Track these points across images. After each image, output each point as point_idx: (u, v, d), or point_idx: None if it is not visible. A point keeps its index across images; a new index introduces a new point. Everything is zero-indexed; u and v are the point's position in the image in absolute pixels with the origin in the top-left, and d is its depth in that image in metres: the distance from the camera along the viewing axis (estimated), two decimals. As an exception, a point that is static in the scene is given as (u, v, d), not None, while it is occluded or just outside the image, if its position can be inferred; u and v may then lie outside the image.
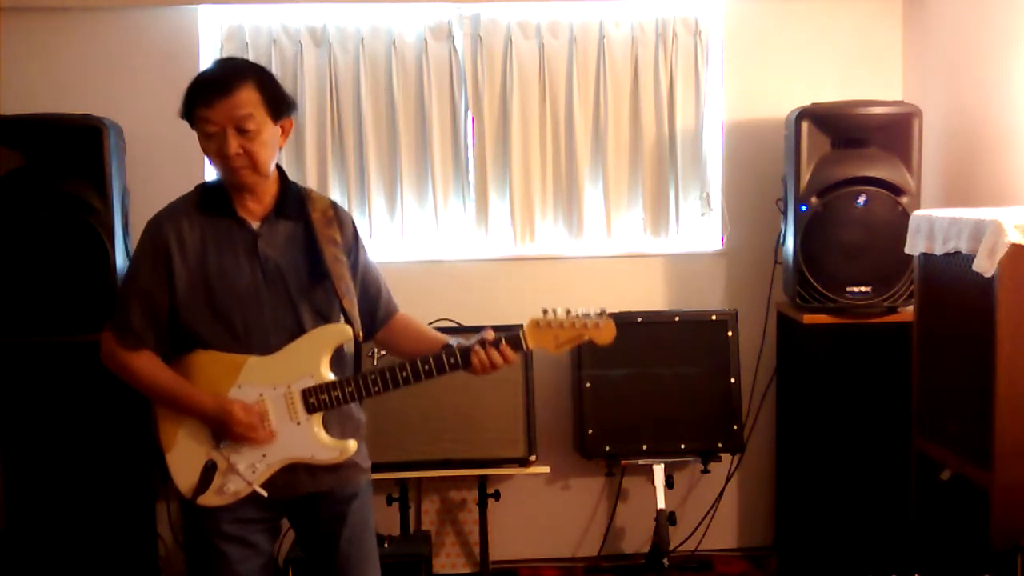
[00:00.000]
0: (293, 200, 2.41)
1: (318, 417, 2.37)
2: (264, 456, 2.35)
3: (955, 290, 2.99)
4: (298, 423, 2.36)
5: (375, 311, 2.55)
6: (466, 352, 2.38)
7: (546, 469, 3.93)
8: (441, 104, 4.08)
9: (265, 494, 2.36)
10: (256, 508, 2.40)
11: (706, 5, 4.13)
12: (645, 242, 4.20)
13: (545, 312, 2.37)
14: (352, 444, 2.40)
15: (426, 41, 4.03)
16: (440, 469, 3.82)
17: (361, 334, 2.42)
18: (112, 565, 3.65)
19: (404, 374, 2.37)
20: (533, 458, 3.83)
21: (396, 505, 3.92)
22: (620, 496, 4.24)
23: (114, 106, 3.78)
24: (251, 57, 3.92)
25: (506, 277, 4.10)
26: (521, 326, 2.38)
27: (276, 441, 2.36)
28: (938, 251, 3.01)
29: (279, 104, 2.35)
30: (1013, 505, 2.75)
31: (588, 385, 3.89)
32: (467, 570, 4.16)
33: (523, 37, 4.06)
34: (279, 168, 2.43)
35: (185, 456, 2.36)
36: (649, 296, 4.17)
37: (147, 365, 2.35)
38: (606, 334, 2.38)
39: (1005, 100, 3.46)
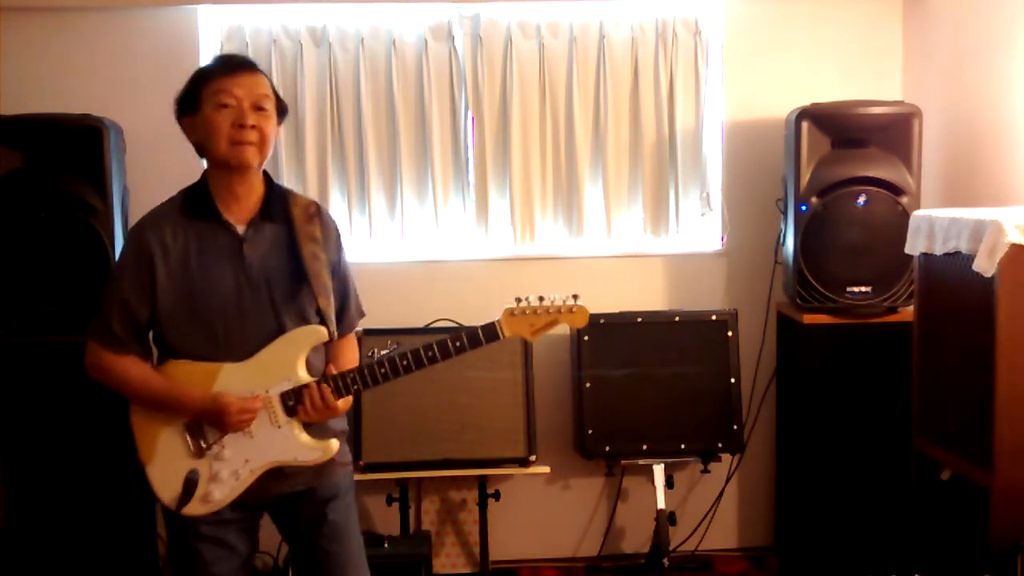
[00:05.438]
0: (277, 202, 2.40)
1: (299, 419, 2.36)
2: (247, 461, 2.34)
3: (955, 290, 2.99)
4: (279, 426, 2.34)
5: (340, 319, 2.49)
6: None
7: (546, 469, 3.92)
8: (441, 104, 4.07)
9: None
10: (231, 509, 2.38)
11: (706, 5, 4.12)
12: (645, 242, 4.20)
13: (519, 300, 2.43)
14: (334, 443, 2.38)
15: (426, 41, 4.02)
16: (440, 469, 3.82)
17: (336, 333, 2.39)
18: (112, 565, 3.65)
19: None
20: (533, 458, 3.83)
21: (396, 505, 3.91)
22: (620, 496, 4.24)
23: (114, 106, 3.77)
24: (251, 57, 3.91)
25: (506, 277, 4.09)
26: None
27: (259, 446, 2.34)
28: (938, 251, 3.01)
29: (282, 105, 2.41)
30: (1013, 505, 2.75)
31: (588, 385, 3.88)
32: (467, 570, 4.15)
33: (523, 37, 4.06)
34: (265, 172, 2.43)
35: (166, 468, 2.35)
36: (649, 296, 4.17)
37: (134, 369, 2.35)
38: (579, 318, 2.47)
39: (1005, 100, 3.46)
